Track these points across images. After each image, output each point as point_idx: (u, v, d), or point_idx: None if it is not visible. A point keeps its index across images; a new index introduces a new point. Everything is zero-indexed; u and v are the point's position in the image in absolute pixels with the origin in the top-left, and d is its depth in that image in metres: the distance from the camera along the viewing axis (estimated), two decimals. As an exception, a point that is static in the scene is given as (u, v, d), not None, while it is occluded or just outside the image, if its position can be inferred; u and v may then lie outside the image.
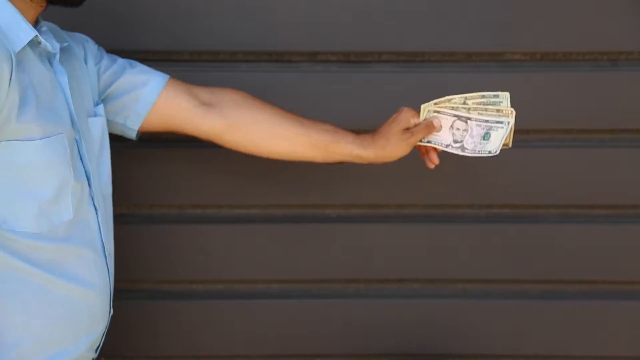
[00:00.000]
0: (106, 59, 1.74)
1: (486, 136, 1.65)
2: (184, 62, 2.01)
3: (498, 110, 1.65)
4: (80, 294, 1.52)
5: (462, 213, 2.08)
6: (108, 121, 1.71)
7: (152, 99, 1.73)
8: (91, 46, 1.72)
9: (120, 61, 1.75)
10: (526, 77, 2.01)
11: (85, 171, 1.56)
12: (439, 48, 2.00)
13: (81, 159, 1.55)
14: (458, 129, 1.67)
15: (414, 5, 1.99)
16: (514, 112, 1.64)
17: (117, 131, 1.75)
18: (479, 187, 2.05)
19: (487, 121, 1.64)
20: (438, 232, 2.07)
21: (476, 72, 2.00)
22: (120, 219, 2.05)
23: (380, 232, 2.06)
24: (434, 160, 1.73)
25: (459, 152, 1.68)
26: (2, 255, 1.45)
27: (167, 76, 1.77)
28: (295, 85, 2.01)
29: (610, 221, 2.07)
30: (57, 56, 1.56)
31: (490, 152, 1.66)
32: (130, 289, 2.08)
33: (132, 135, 1.75)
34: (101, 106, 1.68)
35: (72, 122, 1.54)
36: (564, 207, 2.07)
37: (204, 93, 1.78)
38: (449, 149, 1.69)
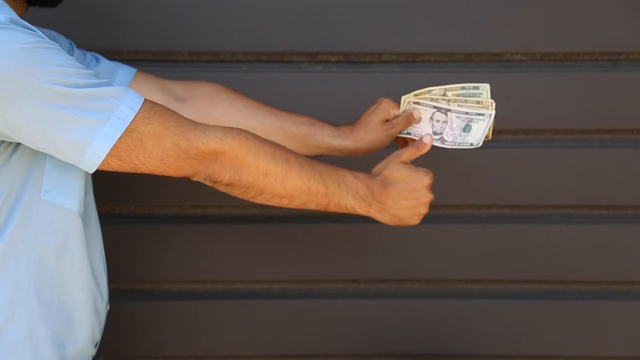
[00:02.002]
0: (77, 53, 1.71)
1: (467, 128, 1.62)
2: (184, 62, 2.01)
3: (478, 102, 1.62)
4: (90, 285, 1.53)
5: (462, 213, 2.07)
6: None
7: None
8: (62, 41, 1.70)
9: (89, 55, 1.73)
10: (526, 77, 2.01)
11: None
12: (439, 48, 2.00)
13: None
14: (438, 121, 1.64)
15: (414, 5, 1.99)
16: (494, 104, 1.61)
17: None
18: (479, 187, 2.05)
19: (467, 113, 1.62)
20: (438, 232, 2.07)
21: (476, 72, 2.00)
22: (120, 219, 2.05)
23: (380, 232, 2.06)
24: None
25: (439, 144, 1.64)
26: (78, 236, 1.48)
27: (135, 69, 1.75)
28: (295, 85, 2.01)
29: (610, 221, 2.07)
30: None
31: (472, 145, 1.63)
32: (130, 289, 2.08)
33: None
34: None
35: None
36: (564, 207, 2.07)
37: (177, 87, 1.77)
38: None
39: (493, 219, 2.08)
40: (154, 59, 2.00)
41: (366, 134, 1.70)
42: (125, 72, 1.74)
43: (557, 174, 2.05)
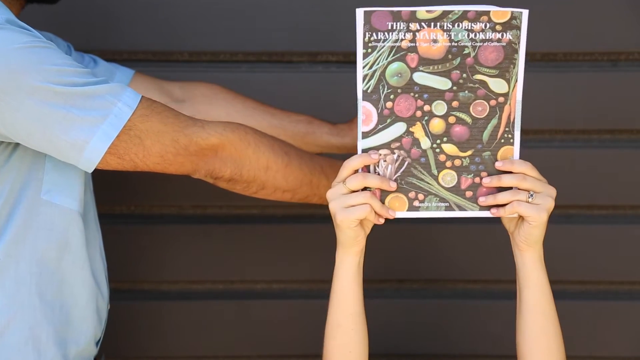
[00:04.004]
0: (74, 55, 1.71)
1: None
2: (184, 62, 2.01)
3: None
4: (91, 284, 1.53)
5: (462, 213, 2.07)
6: None
7: None
8: (60, 43, 1.69)
9: (87, 57, 1.73)
10: (526, 77, 2.01)
11: None
12: (439, 48, 2.00)
13: None
14: None
15: (414, 5, 1.98)
16: None
17: None
18: (479, 187, 2.05)
19: None
20: (439, 232, 2.07)
21: (476, 72, 2.00)
22: (120, 219, 2.05)
23: (380, 232, 2.06)
24: None
25: None
26: (77, 234, 1.49)
27: (133, 71, 1.75)
28: (295, 85, 2.01)
29: (610, 221, 2.07)
30: None
31: None
32: (130, 289, 2.08)
33: None
34: None
35: None
36: (564, 207, 2.07)
37: (175, 88, 1.76)
38: None
39: (493, 219, 2.07)
40: (153, 59, 2.00)
41: None
42: (123, 73, 1.74)
43: (557, 174, 2.04)
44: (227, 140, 1.44)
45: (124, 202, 2.05)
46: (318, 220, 2.06)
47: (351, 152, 1.72)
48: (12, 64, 1.32)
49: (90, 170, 1.39)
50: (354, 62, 2.01)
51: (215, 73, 1.99)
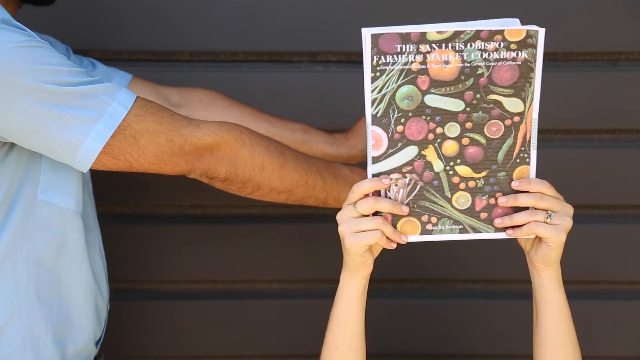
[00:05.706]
0: (73, 58, 1.71)
1: None
2: (184, 62, 2.01)
3: None
4: (90, 283, 1.53)
5: (462, 213, 2.08)
6: None
7: None
8: (59, 46, 1.70)
9: (86, 60, 1.73)
10: (526, 77, 2.01)
11: None
12: (439, 48, 2.00)
13: None
14: None
15: (414, 5, 1.99)
16: None
17: None
18: (479, 187, 2.05)
19: None
20: (438, 232, 2.07)
21: (476, 72, 2.00)
22: (120, 219, 2.05)
23: (380, 232, 2.06)
24: None
25: None
26: (76, 236, 1.48)
27: (131, 75, 1.75)
28: (295, 85, 2.01)
29: (610, 221, 2.07)
30: None
31: None
32: (131, 289, 2.08)
33: None
34: None
35: None
36: (564, 207, 2.07)
37: (173, 93, 1.77)
38: None
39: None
40: (153, 59, 2.00)
41: (360, 141, 1.71)
42: (121, 77, 1.74)
43: (557, 174, 2.04)
44: (223, 139, 1.44)
45: (124, 202, 2.05)
46: (318, 220, 2.06)
47: (346, 162, 1.72)
48: (5, 63, 1.32)
49: (85, 170, 1.39)
50: (354, 62, 2.02)
51: (215, 73, 1.99)
